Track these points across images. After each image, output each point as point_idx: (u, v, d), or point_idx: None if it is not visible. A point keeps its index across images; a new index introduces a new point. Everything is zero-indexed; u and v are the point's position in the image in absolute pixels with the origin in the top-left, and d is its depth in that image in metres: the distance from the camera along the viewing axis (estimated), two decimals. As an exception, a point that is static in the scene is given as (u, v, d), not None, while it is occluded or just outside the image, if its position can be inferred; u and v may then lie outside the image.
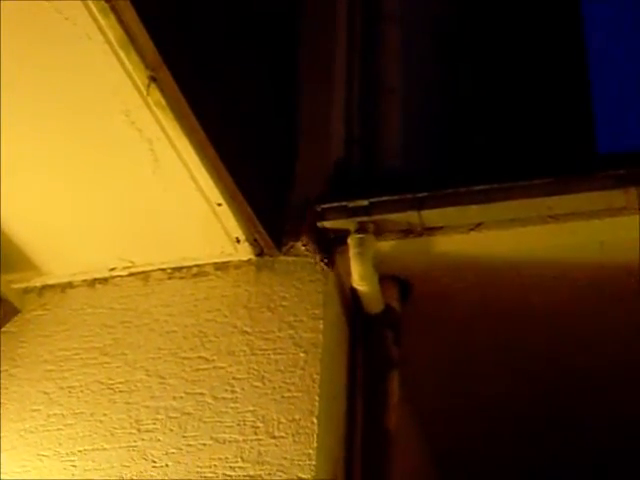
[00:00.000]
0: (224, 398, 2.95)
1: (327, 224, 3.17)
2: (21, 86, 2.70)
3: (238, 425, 2.88)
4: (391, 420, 3.11)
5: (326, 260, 3.11)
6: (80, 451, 2.95)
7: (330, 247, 3.14)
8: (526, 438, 3.95)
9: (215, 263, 3.21)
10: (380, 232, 3.13)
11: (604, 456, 3.95)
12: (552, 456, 3.98)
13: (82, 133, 2.87)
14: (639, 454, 4.00)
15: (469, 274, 3.27)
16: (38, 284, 3.33)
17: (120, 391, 3.04)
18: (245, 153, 3.10)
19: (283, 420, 2.86)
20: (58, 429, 3.01)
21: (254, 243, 3.15)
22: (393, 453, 3.11)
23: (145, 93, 2.68)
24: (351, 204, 3.15)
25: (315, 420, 2.84)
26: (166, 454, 2.88)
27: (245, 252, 3.17)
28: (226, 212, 3.03)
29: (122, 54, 2.59)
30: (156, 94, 2.68)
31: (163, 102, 2.70)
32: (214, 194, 2.97)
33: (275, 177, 3.30)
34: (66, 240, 3.24)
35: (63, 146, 2.92)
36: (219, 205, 3.01)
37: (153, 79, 2.65)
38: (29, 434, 3.01)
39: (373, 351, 3.21)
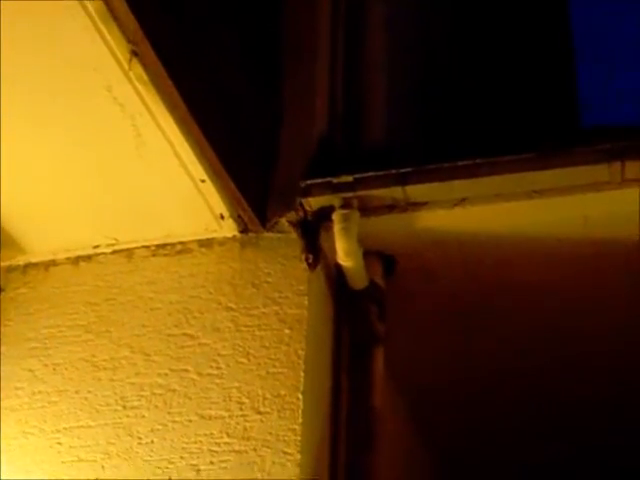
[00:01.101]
0: (209, 374, 2.95)
1: (311, 200, 3.16)
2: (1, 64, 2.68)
3: (223, 401, 2.89)
4: (376, 396, 3.12)
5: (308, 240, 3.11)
6: (65, 428, 2.95)
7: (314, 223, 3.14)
8: (513, 413, 3.97)
9: (199, 240, 3.20)
10: (365, 208, 3.13)
11: (599, 424, 3.96)
12: (544, 429, 4.00)
13: (64, 109, 2.85)
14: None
15: (453, 249, 3.27)
16: (21, 262, 3.31)
17: (105, 368, 3.04)
18: (229, 129, 3.08)
19: (268, 396, 2.87)
20: (43, 406, 3.00)
21: (238, 220, 3.14)
22: (379, 429, 3.12)
23: (127, 68, 2.66)
24: (335, 180, 3.14)
25: (300, 396, 2.85)
26: (151, 431, 2.89)
27: (229, 229, 3.16)
28: (210, 188, 3.02)
29: (103, 28, 2.56)
30: (138, 69, 2.66)
31: (145, 77, 2.67)
32: (197, 170, 2.96)
33: (259, 154, 3.29)
34: (49, 218, 3.22)
35: (44, 123, 2.89)
36: (202, 181, 3.00)
37: (135, 53, 2.63)
38: (13, 412, 3.01)
39: (358, 327, 3.22)
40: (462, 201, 3.12)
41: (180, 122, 2.79)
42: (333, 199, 3.13)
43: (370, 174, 3.13)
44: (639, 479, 4.21)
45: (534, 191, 3.07)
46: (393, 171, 3.11)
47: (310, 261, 2.97)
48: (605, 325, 3.48)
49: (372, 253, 3.27)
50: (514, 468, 4.18)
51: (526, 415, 3.94)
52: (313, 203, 3.16)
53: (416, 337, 3.58)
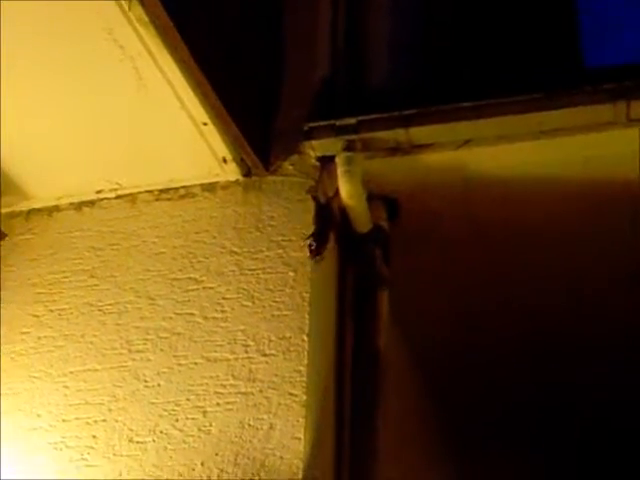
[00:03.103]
0: (214, 318, 2.96)
1: (314, 143, 3.14)
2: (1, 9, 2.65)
3: (229, 344, 2.90)
4: (381, 338, 3.13)
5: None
6: (72, 372, 2.97)
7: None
8: (516, 357, 3.98)
9: (202, 184, 3.19)
10: (368, 150, 3.11)
11: (601, 366, 3.97)
12: (548, 374, 4.02)
13: (64, 53, 2.82)
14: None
15: (457, 192, 3.26)
16: (24, 208, 3.31)
17: (110, 313, 3.05)
18: (231, 71, 3.06)
19: (273, 338, 2.88)
20: (49, 351, 3.02)
21: (241, 163, 3.13)
22: (383, 371, 3.14)
23: (127, 9, 2.63)
24: (339, 123, 3.12)
25: (305, 337, 2.86)
26: (157, 374, 2.90)
27: (232, 172, 3.15)
28: (212, 131, 3.00)
29: (102, -30, 2.54)
30: (138, 10, 2.63)
31: (145, 18, 2.65)
32: (199, 113, 2.93)
33: (262, 96, 3.27)
34: (52, 163, 3.21)
35: (45, 67, 2.87)
36: (205, 124, 2.98)
37: (134, -6, 2.60)
38: (20, 357, 3.03)
39: (362, 270, 3.22)
40: (466, 143, 3.10)
41: (181, 64, 2.76)
42: (336, 142, 3.11)
43: (373, 116, 3.11)
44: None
45: (539, 132, 3.05)
46: (396, 113, 3.10)
47: (313, 248, 2.88)
48: (607, 264, 3.47)
49: (376, 197, 3.26)
50: (517, 413, 4.20)
51: (530, 360, 3.95)
52: (316, 146, 3.15)
53: (420, 280, 3.58)
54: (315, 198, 2.94)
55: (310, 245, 2.87)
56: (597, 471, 4.30)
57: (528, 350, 3.96)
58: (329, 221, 3.00)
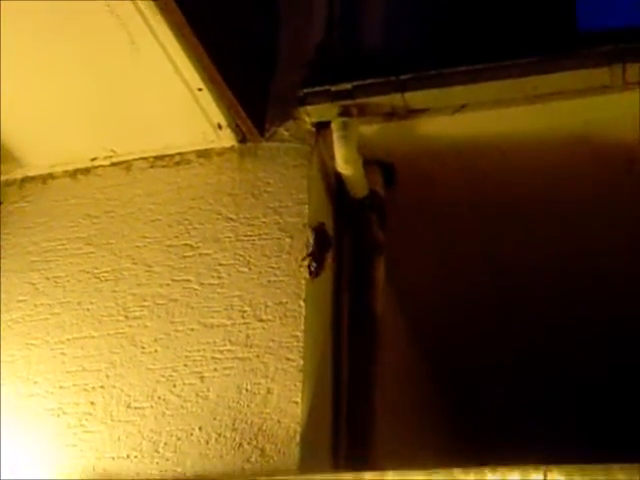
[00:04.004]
0: (211, 284, 2.96)
1: (310, 109, 3.13)
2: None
3: (225, 310, 2.90)
4: (378, 302, 3.13)
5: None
6: (69, 339, 2.97)
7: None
8: (512, 322, 3.99)
9: (197, 150, 3.17)
10: (364, 116, 3.10)
11: (602, 324, 3.99)
12: (543, 332, 4.03)
13: (57, 19, 2.81)
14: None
15: (453, 157, 3.25)
16: (19, 176, 3.29)
17: (106, 280, 3.04)
18: (225, 36, 3.03)
19: (270, 304, 2.88)
20: (45, 318, 3.02)
21: (236, 129, 3.11)
22: (380, 337, 3.14)
23: (119, -28, 2.61)
24: (334, 88, 3.11)
25: (302, 303, 2.86)
26: (155, 340, 2.91)
27: (227, 138, 3.14)
28: (207, 97, 2.99)
29: None
30: (130, -27, 2.61)
31: (138, -19, 2.63)
32: (194, 78, 2.92)
33: (257, 62, 3.24)
34: (45, 131, 3.20)
35: (38, 35, 2.86)
36: (199, 90, 2.96)
37: (126, -43, 2.58)
38: (16, 324, 3.03)
39: (359, 235, 3.22)
40: (462, 107, 3.09)
41: (174, 27, 2.74)
42: (332, 107, 3.10)
43: (369, 81, 3.10)
44: None
45: (535, 96, 3.03)
46: (392, 78, 3.08)
47: (312, 269, 2.86)
48: (605, 226, 3.47)
49: (372, 162, 3.24)
50: (512, 376, 4.22)
51: (526, 319, 3.97)
52: (311, 112, 3.13)
53: (416, 246, 3.58)
54: (310, 227, 2.95)
55: (309, 266, 2.86)
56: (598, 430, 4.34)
57: (524, 315, 3.97)
58: (326, 242, 2.99)
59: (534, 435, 4.01)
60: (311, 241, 2.92)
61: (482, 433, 4.23)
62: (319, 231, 2.97)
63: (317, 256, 2.90)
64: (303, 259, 2.86)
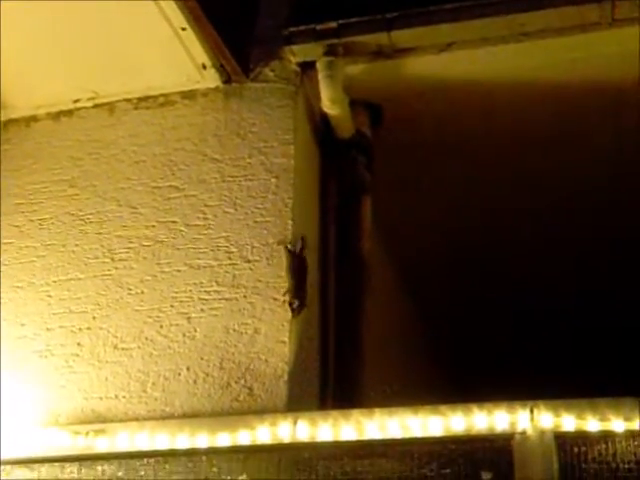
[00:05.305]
0: (197, 225, 2.94)
1: (295, 48, 3.09)
2: None
3: (212, 251, 2.89)
4: (364, 242, 3.13)
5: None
6: (55, 281, 2.96)
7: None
8: (494, 261, 4.00)
9: (182, 92, 3.14)
10: (350, 55, 3.06)
11: (593, 260, 4.01)
12: (522, 274, 4.05)
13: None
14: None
15: (440, 97, 3.23)
16: (2, 118, 3.25)
17: (91, 222, 3.03)
18: (208, -26, 2.99)
19: (256, 244, 2.87)
20: (31, 261, 3.01)
21: (221, 69, 3.08)
22: (366, 276, 3.14)
23: None
24: (319, 27, 3.07)
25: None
26: (141, 281, 2.90)
27: (212, 79, 3.10)
28: (190, 37, 2.94)
29: None
30: None
31: None
32: (177, 17, 2.87)
33: (241, 1, 3.20)
34: (27, 73, 3.16)
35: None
36: (183, 29, 2.92)
37: None
38: (2, 267, 3.01)
39: (345, 176, 3.20)
40: (449, 46, 3.06)
41: (158, -36, 2.70)
42: (317, 46, 3.06)
43: (355, 20, 3.06)
44: None
45: (522, 34, 3.00)
46: (378, 16, 3.04)
47: (294, 307, 2.75)
48: (589, 165, 3.47)
49: (358, 103, 3.22)
50: (498, 312, 4.25)
51: (512, 259, 3.98)
52: (297, 51, 3.09)
53: (402, 187, 3.57)
54: (287, 249, 2.86)
55: (291, 304, 2.76)
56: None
57: (509, 254, 3.98)
58: (303, 272, 2.86)
59: (521, 374, 4.04)
60: (289, 274, 2.78)
61: (469, 372, 4.26)
62: (295, 256, 2.83)
63: (297, 290, 2.78)
64: (284, 294, 2.76)
